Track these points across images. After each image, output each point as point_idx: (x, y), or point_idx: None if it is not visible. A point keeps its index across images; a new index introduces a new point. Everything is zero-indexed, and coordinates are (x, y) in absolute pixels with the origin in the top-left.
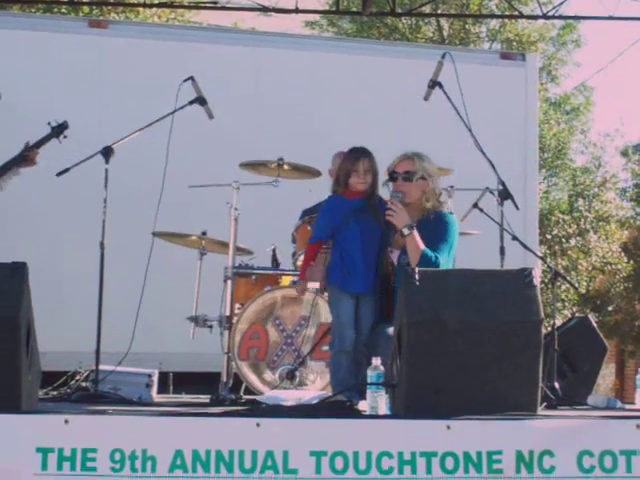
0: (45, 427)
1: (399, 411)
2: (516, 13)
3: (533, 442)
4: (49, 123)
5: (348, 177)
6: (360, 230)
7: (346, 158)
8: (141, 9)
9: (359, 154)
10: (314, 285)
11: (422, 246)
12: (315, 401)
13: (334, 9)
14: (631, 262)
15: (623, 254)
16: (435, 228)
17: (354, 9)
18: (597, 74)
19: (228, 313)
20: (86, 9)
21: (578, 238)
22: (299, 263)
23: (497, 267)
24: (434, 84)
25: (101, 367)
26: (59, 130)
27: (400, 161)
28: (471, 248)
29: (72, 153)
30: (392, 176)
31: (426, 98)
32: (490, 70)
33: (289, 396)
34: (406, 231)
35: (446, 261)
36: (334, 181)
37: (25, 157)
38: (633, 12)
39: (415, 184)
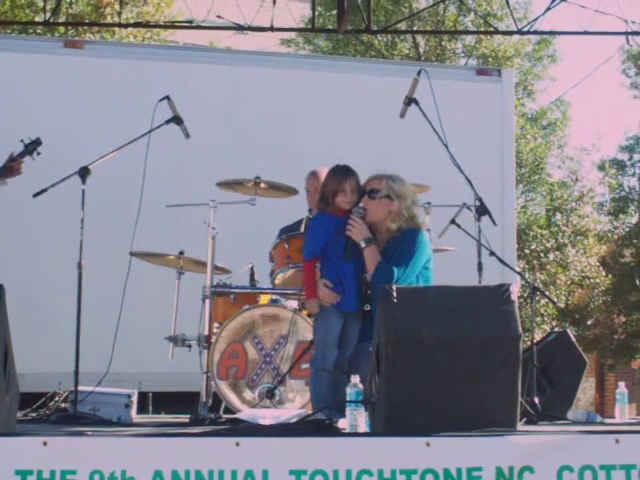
0: (24, 449)
1: (378, 428)
2: (491, 29)
3: (513, 458)
4: (22, 140)
5: (335, 196)
6: (345, 245)
7: (332, 177)
8: (117, 29)
9: (346, 174)
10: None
11: (379, 258)
12: (294, 420)
13: (310, 27)
14: (609, 276)
15: (601, 268)
16: (399, 245)
17: (330, 26)
18: (573, 89)
19: (207, 332)
20: (62, 29)
21: (556, 252)
22: (277, 282)
23: (475, 283)
24: (410, 101)
25: (80, 388)
26: (33, 147)
27: (369, 180)
28: (449, 264)
29: (49, 174)
30: (361, 194)
31: (402, 115)
32: (466, 86)
33: (268, 415)
34: (363, 244)
35: (405, 273)
36: (319, 199)
37: (9, 168)
38: (607, 27)
39: (379, 202)
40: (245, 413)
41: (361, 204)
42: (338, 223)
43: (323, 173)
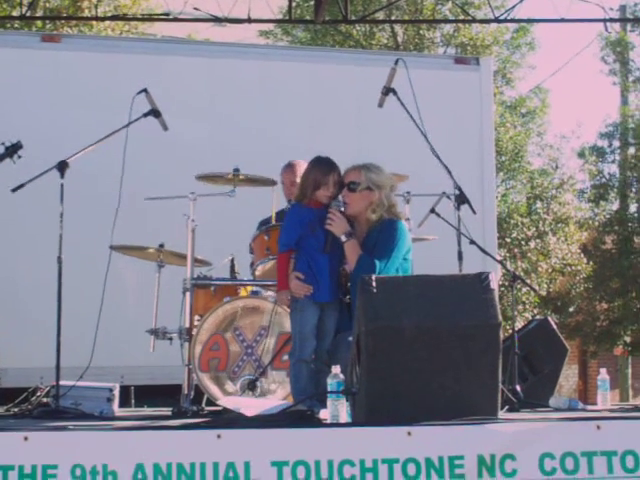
0: (5, 444)
1: (360, 418)
2: (469, 18)
3: (494, 446)
4: (3, 143)
5: (316, 189)
6: (325, 239)
7: (315, 169)
8: (94, 22)
9: (330, 167)
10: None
11: (359, 252)
12: (276, 411)
13: (287, 18)
14: (591, 263)
15: (582, 255)
16: (379, 235)
17: (307, 17)
18: (552, 76)
19: (188, 325)
20: (39, 24)
21: (537, 240)
22: (258, 273)
23: (456, 272)
24: (388, 91)
25: (62, 382)
26: (13, 150)
27: (348, 172)
28: (429, 253)
29: (27, 168)
30: (340, 186)
31: (380, 105)
32: (445, 75)
33: (250, 403)
34: (344, 238)
35: (387, 265)
36: (299, 191)
37: None
38: (584, 14)
39: (359, 194)
40: (227, 400)
41: (340, 197)
42: (313, 215)
43: (299, 165)
